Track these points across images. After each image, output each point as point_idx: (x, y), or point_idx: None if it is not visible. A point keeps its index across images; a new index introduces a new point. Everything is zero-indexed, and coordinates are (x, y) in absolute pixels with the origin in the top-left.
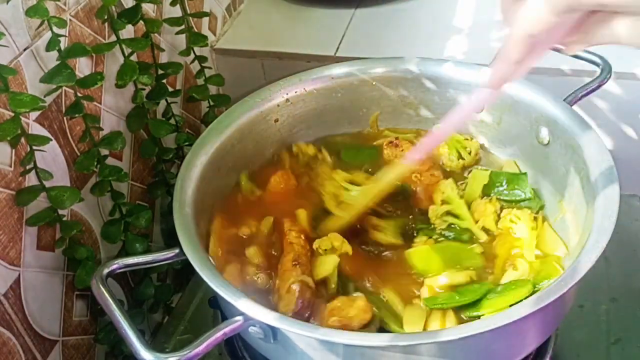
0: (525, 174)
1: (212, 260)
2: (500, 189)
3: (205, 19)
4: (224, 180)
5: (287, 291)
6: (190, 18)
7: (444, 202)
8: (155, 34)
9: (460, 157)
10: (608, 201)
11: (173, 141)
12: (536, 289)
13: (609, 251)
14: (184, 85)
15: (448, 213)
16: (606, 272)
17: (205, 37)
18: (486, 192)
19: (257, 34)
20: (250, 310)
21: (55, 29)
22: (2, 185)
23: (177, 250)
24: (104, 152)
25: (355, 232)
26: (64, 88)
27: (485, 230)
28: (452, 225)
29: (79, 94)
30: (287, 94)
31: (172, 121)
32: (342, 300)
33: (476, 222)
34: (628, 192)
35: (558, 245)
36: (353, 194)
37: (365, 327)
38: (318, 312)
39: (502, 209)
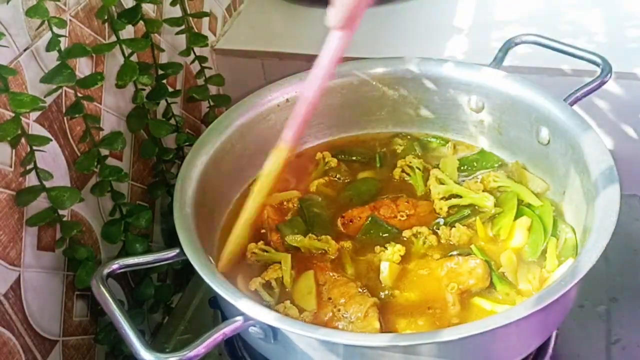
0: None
1: (212, 260)
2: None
3: (205, 19)
4: (224, 181)
5: (365, 316)
6: (190, 18)
7: (441, 182)
8: (155, 34)
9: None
10: (608, 201)
11: (173, 141)
12: None
13: (609, 251)
14: (184, 85)
15: (446, 198)
16: (606, 272)
17: (205, 37)
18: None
19: (257, 34)
20: (250, 311)
21: (55, 29)
22: (3, 185)
23: (177, 251)
24: (104, 152)
25: None
26: (64, 88)
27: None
28: (454, 208)
29: (79, 94)
30: (287, 94)
31: (172, 121)
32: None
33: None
34: (628, 192)
35: (538, 183)
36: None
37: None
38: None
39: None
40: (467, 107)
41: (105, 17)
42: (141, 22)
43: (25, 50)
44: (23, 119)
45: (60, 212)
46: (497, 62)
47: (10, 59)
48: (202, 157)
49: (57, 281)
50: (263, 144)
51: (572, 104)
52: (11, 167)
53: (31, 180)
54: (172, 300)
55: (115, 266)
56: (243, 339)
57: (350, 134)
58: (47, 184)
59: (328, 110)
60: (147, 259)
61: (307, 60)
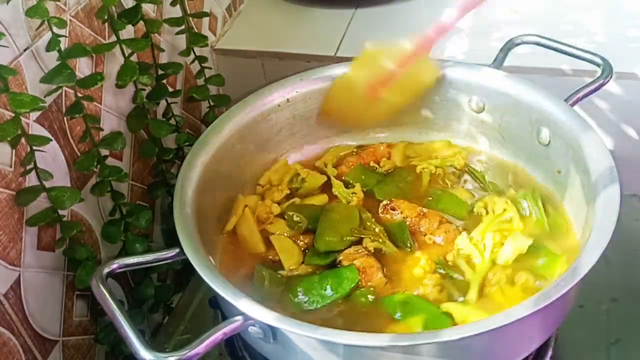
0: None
1: (212, 260)
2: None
3: (206, 19)
4: (224, 181)
5: None
6: (190, 18)
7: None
8: (155, 34)
9: None
10: (608, 201)
11: (173, 141)
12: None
13: (609, 251)
14: (184, 85)
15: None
16: (606, 272)
17: (205, 37)
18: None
19: (257, 34)
20: (250, 310)
21: (55, 29)
22: (3, 185)
23: (177, 250)
24: (104, 152)
25: None
26: (64, 88)
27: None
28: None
29: (79, 94)
30: (287, 94)
31: (172, 121)
32: None
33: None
34: (628, 192)
35: None
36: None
37: None
38: None
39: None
40: (468, 107)
41: (105, 17)
42: (141, 22)
43: (25, 50)
44: (23, 119)
45: (60, 212)
46: (498, 62)
47: (10, 59)
48: (202, 157)
49: (57, 281)
50: (263, 144)
51: (572, 105)
52: (11, 167)
53: (31, 180)
54: (172, 300)
55: (115, 266)
56: (243, 338)
57: (351, 134)
58: (47, 184)
59: None
60: (147, 259)
61: (307, 60)
